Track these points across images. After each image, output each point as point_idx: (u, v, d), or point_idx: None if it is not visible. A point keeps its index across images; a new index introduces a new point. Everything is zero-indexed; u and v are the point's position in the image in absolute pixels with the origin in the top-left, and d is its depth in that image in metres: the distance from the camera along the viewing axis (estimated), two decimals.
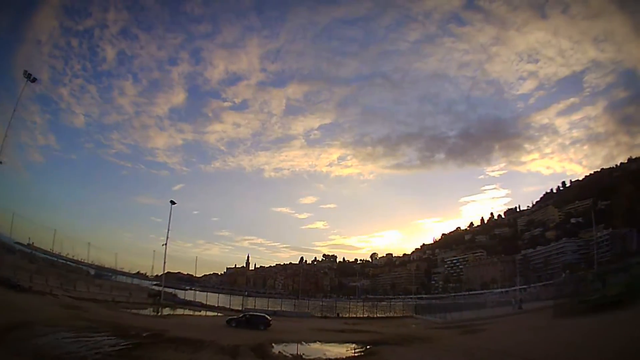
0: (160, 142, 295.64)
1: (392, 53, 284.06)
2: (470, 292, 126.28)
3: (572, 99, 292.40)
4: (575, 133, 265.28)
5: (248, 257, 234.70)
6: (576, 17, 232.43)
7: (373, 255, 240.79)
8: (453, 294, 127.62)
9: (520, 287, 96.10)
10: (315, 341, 33.54)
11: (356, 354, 27.10)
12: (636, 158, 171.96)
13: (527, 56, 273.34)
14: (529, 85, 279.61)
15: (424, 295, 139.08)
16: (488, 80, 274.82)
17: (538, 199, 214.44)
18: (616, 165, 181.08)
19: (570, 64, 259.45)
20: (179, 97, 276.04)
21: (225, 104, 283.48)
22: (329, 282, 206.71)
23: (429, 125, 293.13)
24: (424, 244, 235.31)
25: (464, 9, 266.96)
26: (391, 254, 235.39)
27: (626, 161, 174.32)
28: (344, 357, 25.25)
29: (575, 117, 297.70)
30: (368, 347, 30.03)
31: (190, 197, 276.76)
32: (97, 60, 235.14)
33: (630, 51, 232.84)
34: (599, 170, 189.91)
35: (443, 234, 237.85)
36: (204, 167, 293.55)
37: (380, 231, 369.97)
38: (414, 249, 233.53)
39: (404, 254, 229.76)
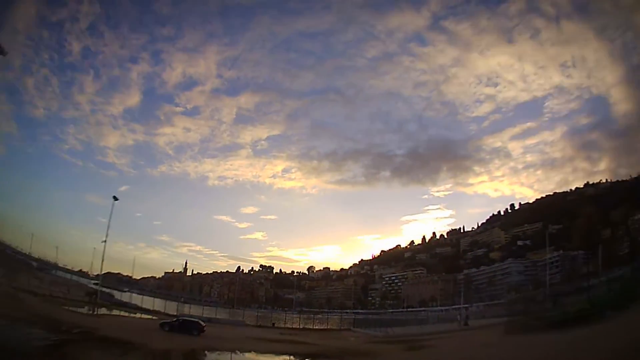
0: (112, 141, 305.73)
1: (348, 69, 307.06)
2: (409, 309, 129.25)
3: (529, 124, 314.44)
4: (529, 157, 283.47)
5: (186, 262, 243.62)
6: (545, 43, 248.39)
7: (310, 269, 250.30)
8: (391, 310, 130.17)
9: (463, 305, 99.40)
10: (250, 350, 33.58)
11: None
12: (594, 183, 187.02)
13: (487, 79, 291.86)
14: (485, 108, 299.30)
15: (360, 310, 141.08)
16: (443, 102, 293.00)
17: (484, 221, 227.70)
18: (571, 189, 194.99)
19: (531, 89, 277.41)
20: (134, 98, 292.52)
21: (178, 109, 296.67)
22: (264, 293, 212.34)
23: (377, 143, 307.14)
24: (362, 260, 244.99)
25: (428, 29, 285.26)
26: (328, 268, 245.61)
27: (582, 186, 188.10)
28: None
29: (531, 141, 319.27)
30: (306, 359, 30.26)
31: (134, 200, 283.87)
32: (63, 53, 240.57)
33: (602, 78, 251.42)
34: (551, 194, 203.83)
35: (382, 251, 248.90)
36: (150, 170, 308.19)
37: (318, 245, 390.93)
38: (352, 264, 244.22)
39: (342, 269, 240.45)
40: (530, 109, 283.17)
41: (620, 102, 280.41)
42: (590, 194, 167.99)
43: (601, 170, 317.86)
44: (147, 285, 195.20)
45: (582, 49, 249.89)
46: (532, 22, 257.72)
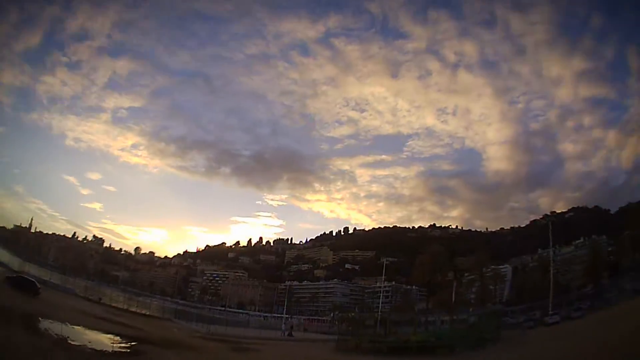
0: (5, 78, 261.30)
1: (224, 60, 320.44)
2: (229, 309, 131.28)
3: (384, 156, 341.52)
4: (375, 188, 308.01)
5: (32, 219, 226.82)
6: (431, 87, 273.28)
7: (137, 250, 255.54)
8: (209, 307, 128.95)
9: (285, 315, 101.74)
10: (79, 324, 33.38)
11: (122, 349, 26.91)
12: (442, 227, 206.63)
13: (355, 104, 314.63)
14: (343, 130, 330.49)
15: (180, 301, 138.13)
16: (303, 114, 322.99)
17: (313, 237, 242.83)
18: (413, 227, 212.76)
19: (399, 124, 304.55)
20: (36, 38, 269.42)
21: (64, 59, 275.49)
22: (93, 265, 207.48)
23: (226, 139, 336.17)
24: (186, 251, 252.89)
25: (316, 42, 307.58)
26: (153, 253, 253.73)
27: (427, 226, 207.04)
28: (111, 350, 25.59)
29: (381, 173, 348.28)
30: (133, 343, 30.08)
31: (5, 143, 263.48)
32: None
33: (482, 133, 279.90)
34: (390, 226, 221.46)
35: (207, 246, 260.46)
36: (24, 115, 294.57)
37: (148, 227, 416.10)
38: (176, 254, 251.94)
39: (166, 257, 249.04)
40: (390, 143, 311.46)
41: (495, 160, 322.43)
42: (435, 235, 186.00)
43: (452, 217, 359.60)
44: None
45: (471, 102, 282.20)
46: (426, 64, 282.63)
